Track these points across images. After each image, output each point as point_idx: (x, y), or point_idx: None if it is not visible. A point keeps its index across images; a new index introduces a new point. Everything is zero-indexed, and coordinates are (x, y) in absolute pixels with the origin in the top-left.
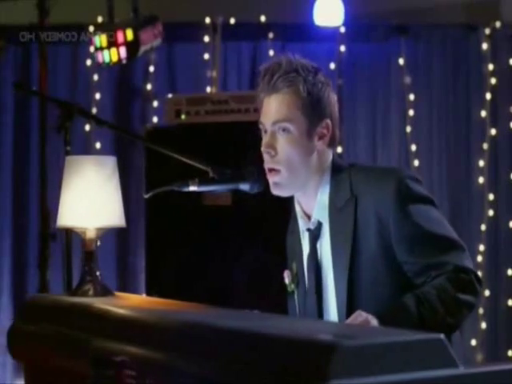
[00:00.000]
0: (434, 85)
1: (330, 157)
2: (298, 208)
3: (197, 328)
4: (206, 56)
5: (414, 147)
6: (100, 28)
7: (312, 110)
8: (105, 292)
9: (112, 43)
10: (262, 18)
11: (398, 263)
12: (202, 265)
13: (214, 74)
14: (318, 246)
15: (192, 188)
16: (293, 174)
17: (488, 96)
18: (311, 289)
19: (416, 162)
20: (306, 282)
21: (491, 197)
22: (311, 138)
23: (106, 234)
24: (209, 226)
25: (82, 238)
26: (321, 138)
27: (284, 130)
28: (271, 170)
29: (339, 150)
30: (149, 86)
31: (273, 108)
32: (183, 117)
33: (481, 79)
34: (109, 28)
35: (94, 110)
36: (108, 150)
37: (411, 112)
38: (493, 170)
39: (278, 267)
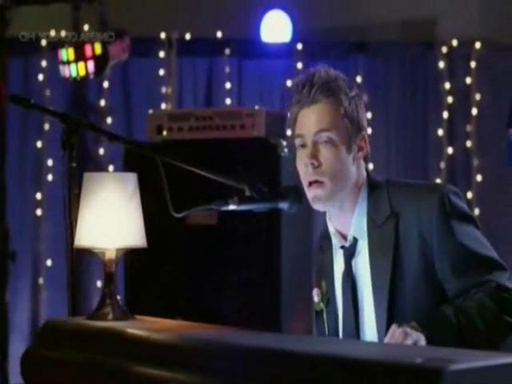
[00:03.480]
0: (392, 103)
1: (364, 170)
2: (330, 226)
3: (264, 353)
4: (161, 72)
5: (371, 165)
6: (67, 41)
7: (352, 120)
8: (125, 315)
9: (80, 57)
10: (219, 34)
11: (440, 283)
12: (188, 285)
13: (170, 90)
14: (353, 263)
15: (232, 207)
16: (336, 186)
17: (445, 114)
18: (348, 308)
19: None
20: (338, 301)
21: None
22: (351, 150)
23: (58, 251)
24: (194, 246)
25: (102, 259)
26: (359, 150)
27: (327, 140)
28: (314, 182)
29: None
30: (102, 102)
31: (313, 118)
32: (165, 133)
33: (438, 97)
34: (76, 41)
35: (47, 127)
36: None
37: (369, 130)
38: None
39: (265, 285)
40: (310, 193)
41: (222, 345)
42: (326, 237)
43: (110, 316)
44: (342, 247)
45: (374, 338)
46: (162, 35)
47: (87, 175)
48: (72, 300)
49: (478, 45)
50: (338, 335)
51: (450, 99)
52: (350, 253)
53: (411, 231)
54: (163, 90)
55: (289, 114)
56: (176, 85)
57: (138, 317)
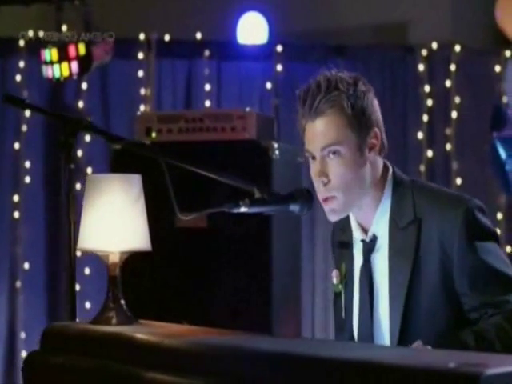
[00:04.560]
0: None
1: (382, 164)
2: (352, 218)
3: (285, 358)
4: (140, 73)
5: None
6: (50, 41)
7: (359, 123)
8: (129, 320)
9: (63, 57)
10: (198, 36)
11: (457, 294)
12: (177, 287)
13: (148, 91)
14: (371, 258)
15: (243, 209)
16: (349, 196)
17: (425, 118)
18: (364, 301)
19: None
20: (355, 286)
21: None
22: (362, 152)
23: (35, 254)
24: (183, 249)
25: (105, 262)
26: (371, 148)
27: (334, 152)
28: (327, 198)
29: None
30: (81, 104)
31: (319, 133)
32: (154, 135)
33: (418, 101)
34: (59, 41)
35: (24, 128)
36: (39, 169)
37: None
38: None
39: (256, 289)
40: (325, 207)
41: (238, 350)
42: (348, 222)
43: (114, 320)
44: (363, 241)
45: (386, 332)
46: (141, 36)
47: (91, 177)
48: (72, 304)
49: (457, 48)
50: (352, 318)
51: (429, 102)
52: (369, 248)
53: (432, 240)
54: (142, 91)
55: (298, 126)
56: (155, 86)
57: (142, 321)
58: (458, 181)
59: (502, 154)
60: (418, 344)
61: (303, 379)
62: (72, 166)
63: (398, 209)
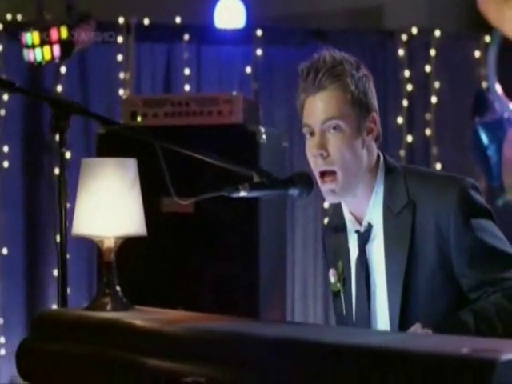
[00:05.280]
0: None
1: (376, 152)
2: (345, 209)
3: (291, 344)
4: (120, 57)
5: None
6: (32, 25)
7: (360, 104)
8: (124, 306)
9: (45, 41)
10: (177, 20)
11: (455, 276)
12: (162, 273)
13: (128, 75)
14: (367, 249)
15: (243, 193)
16: (348, 175)
17: (404, 103)
18: (361, 293)
19: None
20: (353, 282)
21: None
22: (361, 133)
23: (14, 240)
24: (169, 234)
25: (100, 247)
26: (369, 132)
27: (335, 128)
28: (325, 172)
29: None
30: (59, 88)
31: (320, 106)
32: (139, 119)
33: (397, 86)
34: (41, 25)
35: (3, 112)
36: (18, 154)
37: None
38: None
39: (243, 275)
40: (324, 187)
41: (242, 336)
42: (340, 217)
43: (109, 306)
44: (357, 232)
45: (386, 323)
46: (121, 20)
47: (85, 161)
48: (62, 291)
49: (437, 33)
50: (353, 314)
51: (409, 87)
52: (364, 238)
53: (428, 222)
54: (121, 75)
55: (296, 101)
56: (134, 70)
57: (137, 307)
58: (438, 166)
59: (484, 139)
60: (416, 327)
61: (309, 364)
62: (63, 149)
63: (391, 194)
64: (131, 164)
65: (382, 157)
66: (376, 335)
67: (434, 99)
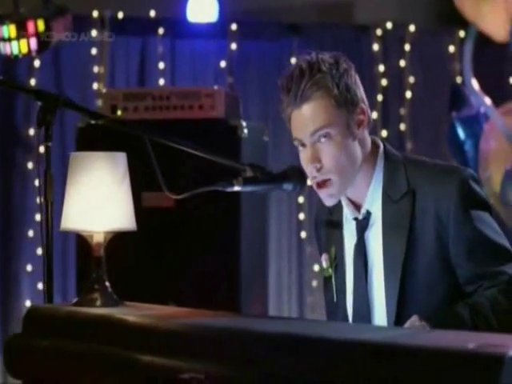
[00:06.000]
0: None
1: (369, 138)
2: (342, 197)
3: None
4: (94, 51)
5: None
6: (8, 17)
7: (345, 101)
8: (114, 302)
9: (22, 34)
10: (152, 13)
11: (452, 266)
12: (144, 268)
13: (102, 69)
14: (365, 236)
15: (237, 188)
16: (344, 178)
17: (379, 97)
18: (360, 281)
19: None
20: (346, 269)
21: None
22: (352, 130)
23: None
24: (150, 229)
25: (89, 242)
26: (360, 125)
27: (325, 136)
28: (321, 182)
29: None
30: (33, 81)
31: (306, 118)
32: (119, 112)
33: (372, 80)
34: (18, 17)
35: None
36: None
37: None
38: None
39: (225, 270)
40: (322, 193)
41: (239, 332)
42: (335, 204)
43: (99, 302)
44: (355, 219)
45: (383, 311)
46: (95, 14)
47: (74, 155)
48: (48, 286)
49: (412, 28)
50: (345, 301)
51: (384, 82)
52: (363, 225)
53: (428, 211)
54: (95, 69)
55: (283, 114)
56: (108, 64)
57: (127, 303)
58: None
59: (461, 134)
60: (414, 319)
61: (308, 360)
62: (50, 143)
63: (391, 182)
64: (121, 158)
65: (381, 145)
66: (379, 331)
67: (408, 94)
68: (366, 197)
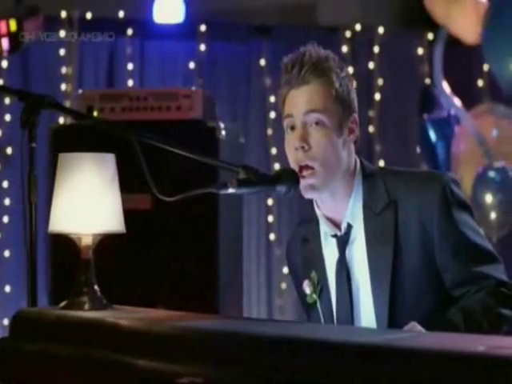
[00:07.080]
0: None
1: (354, 155)
2: (318, 213)
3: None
4: (62, 52)
5: (274, 150)
6: None
7: (343, 102)
8: (103, 305)
9: None
10: (121, 14)
11: (439, 272)
12: (120, 272)
13: (70, 70)
14: (347, 251)
15: (231, 190)
16: (328, 171)
17: None
18: (342, 297)
19: (277, 166)
20: (331, 290)
21: None
22: (343, 132)
23: None
24: (127, 231)
25: (77, 244)
26: (351, 133)
27: (317, 123)
28: (305, 167)
29: None
30: (0, 82)
31: (303, 99)
32: (96, 114)
33: None
34: None
35: None
36: None
37: (272, 114)
38: None
39: (202, 272)
40: (303, 181)
41: (234, 335)
42: (311, 225)
43: (87, 305)
44: (335, 236)
45: (371, 322)
46: (63, 14)
47: (62, 155)
48: (32, 291)
49: (381, 30)
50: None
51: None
52: (344, 241)
53: (411, 219)
54: (63, 70)
55: (278, 95)
56: (77, 65)
57: (116, 306)
58: (381, 163)
59: (432, 136)
60: (412, 325)
61: (306, 363)
62: (34, 144)
63: (371, 196)
64: (110, 159)
65: (358, 160)
66: (380, 334)
67: (377, 96)
68: (347, 211)
